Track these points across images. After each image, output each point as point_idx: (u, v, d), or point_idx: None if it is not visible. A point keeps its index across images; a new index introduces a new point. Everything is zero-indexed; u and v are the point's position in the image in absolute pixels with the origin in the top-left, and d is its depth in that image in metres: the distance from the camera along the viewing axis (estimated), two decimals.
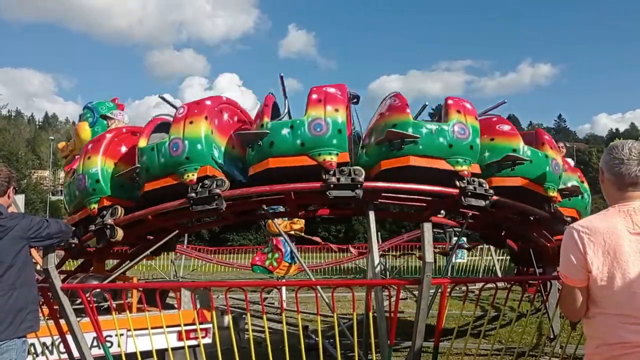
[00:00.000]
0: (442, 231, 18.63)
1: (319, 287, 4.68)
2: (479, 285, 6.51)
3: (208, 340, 5.06)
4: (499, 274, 15.28)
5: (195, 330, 4.65)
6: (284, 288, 8.63)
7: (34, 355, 4.50)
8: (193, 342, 4.86)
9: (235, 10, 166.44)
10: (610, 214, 2.25)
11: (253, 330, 4.67)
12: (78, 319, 4.26)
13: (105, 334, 4.43)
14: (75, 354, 4.32)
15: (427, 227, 4.10)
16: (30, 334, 3.54)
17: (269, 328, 4.36)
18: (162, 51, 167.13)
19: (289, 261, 10.45)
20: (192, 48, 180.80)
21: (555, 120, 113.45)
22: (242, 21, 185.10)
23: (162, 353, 4.77)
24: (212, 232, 44.86)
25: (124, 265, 6.35)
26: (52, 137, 76.24)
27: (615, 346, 2.15)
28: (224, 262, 21.38)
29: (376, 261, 5.20)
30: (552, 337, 6.29)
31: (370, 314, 4.46)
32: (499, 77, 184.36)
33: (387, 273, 17.48)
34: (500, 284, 5.76)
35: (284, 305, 5.54)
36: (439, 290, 4.87)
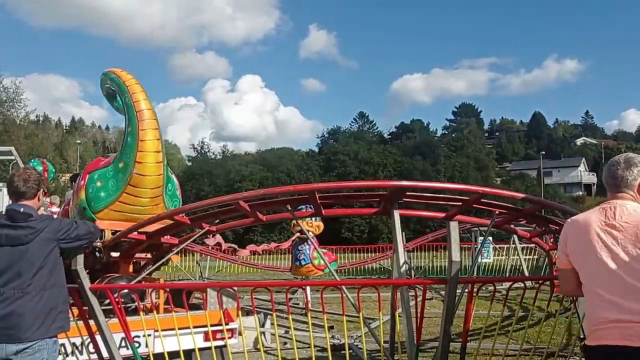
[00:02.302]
0: (467, 231, 18.43)
1: (344, 287, 4.66)
2: (506, 285, 6.42)
3: (234, 340, 5.09)
4: (527, 274, 15.07)
5: (221, 331, 4.67)
6: (308, 288, 8.63)
7: (64, 355, 4.57)
8: (220, 343, 4.89)
9: (256, 11, 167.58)
10: (593, 210, 2.70)
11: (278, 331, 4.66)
12: (106, 319, 4.31)
13: (132, 334, 4.48)
14: (105, 354, 4.38)
15: (453, 225, 4.06)
16: (61, 334, 3.60)
17: (294, 328, 4.35)
18: (184, 54, 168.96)
19: (307, 262, 10.41)
20: (214, 50, 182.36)
21: (583, 117, 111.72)
22: (263, 22, 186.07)
23: (189, 353, 4.80)
24: (237, 233, 45.16)
25: (150, 267, 6.41)
26: (78, 141, 77.78)
27: (593, 321, 2.55)
28: (248, 263, 21.48)
29: (402, 261, 5.16)
30: (582, 337, 6.16)
31: (397, 314, 4.42)
32: (524, 74, 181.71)
33: (412, 273, 17.37)
34: (528, 284, 5.67)
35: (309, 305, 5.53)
36: (466, 290, 4.81)
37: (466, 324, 4.23)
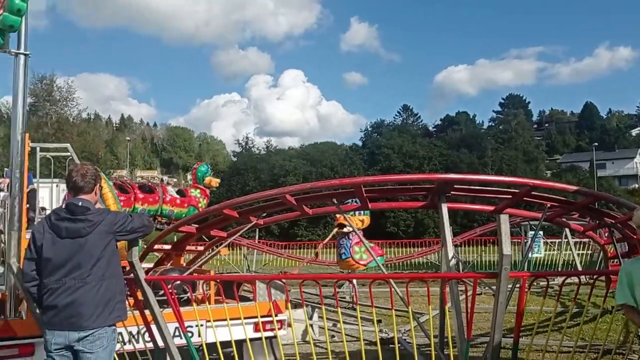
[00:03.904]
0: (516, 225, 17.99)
1: (392, 280, 4.65)
2: (559, 279, 6.25)
3: (283, 332, 5.15)
4: (580, 269, 14.62)
5: (271, 322, 4.74)
6: (355, 282, 8.65)
7: (122, 344, 4.72)
8: (269, 334, 4.96)
9: (297, 6, 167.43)
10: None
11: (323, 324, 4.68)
12: (160, 309, 4.44)
13: (185, 324, 4.59)
14: (160, 342, 4.51)
15: (504, 218, 3.98)
16: (119, 322, 3.73)
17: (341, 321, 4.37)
18: (228, 51, 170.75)
19: (347, 255, 10.39)
20: (256, 46, 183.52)
21: (637, 107, 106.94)
22: (305, 17, 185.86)
23: (239, 344, 4.89)
24: (282, 227, 45.56)
25: (200, 258, 6.57)
26: (128, 138, 79.98)
27: None
28: (295, 257, 21.64)
29: (450, 254, 5.10)
30: None
31: (447, 308, 4.38)
32: (574, 62, 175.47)
33: (460, 267, 17.11)
34: (582, 279, 5.51)
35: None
36: (517, 285, 4.71)
37: (518, 319, 4.15)
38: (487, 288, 11.54)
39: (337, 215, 10.29)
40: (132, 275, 4.23)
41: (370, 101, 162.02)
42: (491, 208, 6.18)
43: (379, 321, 7.69)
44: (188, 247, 6.47)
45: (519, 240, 18.85)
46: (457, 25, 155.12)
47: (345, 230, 10.35)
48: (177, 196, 8.07)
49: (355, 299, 5.00)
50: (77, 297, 3.52)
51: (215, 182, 8.72)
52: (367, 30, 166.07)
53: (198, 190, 8.39)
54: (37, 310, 4.29)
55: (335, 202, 5.93)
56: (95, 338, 3.55)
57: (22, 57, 5.32)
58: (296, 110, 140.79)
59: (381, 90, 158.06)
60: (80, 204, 3.65)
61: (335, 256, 13.60)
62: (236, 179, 55.60)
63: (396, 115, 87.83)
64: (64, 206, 3.81)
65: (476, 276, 4.44)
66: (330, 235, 18.26)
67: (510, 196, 5.96)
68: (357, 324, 7.61)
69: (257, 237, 20.65)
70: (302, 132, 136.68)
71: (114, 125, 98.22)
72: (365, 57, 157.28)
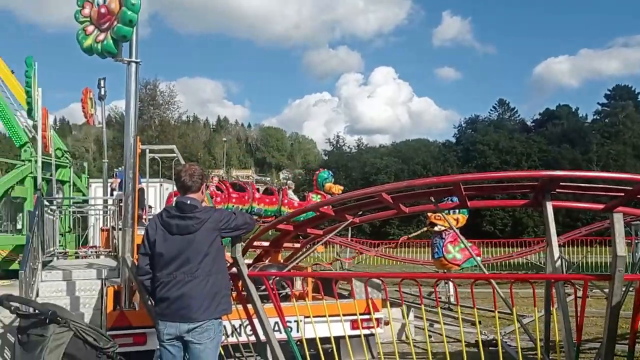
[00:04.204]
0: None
1: (493, 281, 4.50)
2: None
3: (380, 330, 5.14)
4: None
5: (368, 320, 4.75)
6: (451, 282, 8.46)
7: (225, 336, 4.93)
8: (367, 332, 4.97)
9: (387, 3, 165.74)
10: None
11: (419, 324, 4.62)
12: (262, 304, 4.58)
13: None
14: (261, 336, 4.66)
15: (618, 217, 3.73)
16: (223, 316, 3.90)
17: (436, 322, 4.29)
18: (318, 50, 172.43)
19: (439, 255, 10.17)
20: (346, 45, 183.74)
21: None
22: (395, 13, 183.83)
23: (337, 340, 4.94)
24: (373, 225, 45.50)
25: (296, 256, 6.71)
26: (224, 139, 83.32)
27: None
28: (388, 256, 21.52)
29: (556, 255, 4.86)
30: None
31: (554, 311, 4.17)
32: None
33: (564, 268, 16.25)
34: None
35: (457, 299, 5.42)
36: (630, 288, 4.41)
37: (634, 325, 3.87)
38: (593, 291, 10.89)
39: (429, 214, 10.13)
40: (234, 270, 4.40)
41: (463, 96, 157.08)
42: (600, 206, 5.81)
43: (479, 322, 7.49)
44: (285, 244, 6.65)
45: (630, 241, 17.58)
46: (556, 14, 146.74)
47: (436, 229, 10.18)
48: (296, 199, 8.46)
49: (456, 299, 4.90)
50: (186, 291, 3.73)
51: (338, 188, 8.98)
52: (459, 23, 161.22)
53: (319, 196, 8.69)
54: (150, 302, 4.59)
55: (433, 200, 5.83)
56: (204, 330, 3.74)
57: (133, 65, 5.71)
58: (387, 108, 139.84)
59: (475, 85, 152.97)
60: (188, 202, 3.87)
61: (428, 255, 13.40)
62: None
63: (491, 110, 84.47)
64: (173, 204, 4.05)
65: (587, 278, 4.19)
66: (416, 234, 18.01)
67: (622, 194, 5.58)
68: (452, 325, 7.48)
69: (349, 235, 20.74)
70: (393, 129, 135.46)
71: (211, 126, 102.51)
72: (458, 52, 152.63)
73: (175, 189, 9.60)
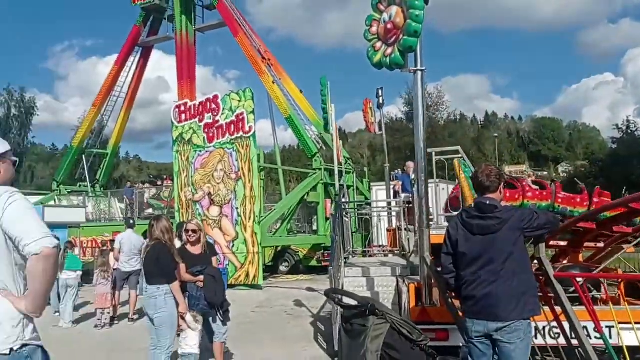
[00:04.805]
0: None
1: None
2: None
3: None
4: None
5: None
6: None
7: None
8: None
9: None
10: None
11: None
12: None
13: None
14: (573, 340, 4.40)
15: None
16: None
17: None
18: (595, 28, 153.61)
19: None
20: (629, 17, 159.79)
21: None
22: None
23: None
24: None
25: (601, 256, 6.16)
26: (495, 135, 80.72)
27: None
28: None
29: None
30: None
31: None
32: None
33: None
34: None
35: None
36: None
37: None
38: None
39: None
40: (538, 270, 4.27)
41: None
42: None
43: None
44: (586, 244, 6.14)
45: None
46: None
47: None
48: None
49: None
50: (492, 290, 3.76)
51: None
52: None
53: None
54: (450, 300, 4.76)
55: None
56: (512, 330, 3.72)
57: (419, 73, 6.01)
58: None
59: None
60: (487, 202, 3.90)
61: None
62: (617, 168, 49.64)
63: None
64: (473, 205, 4.13)
65: None
66: None
67: None
68: None
69: None
70: None
71: (479, 122, 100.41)
72: None
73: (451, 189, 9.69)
